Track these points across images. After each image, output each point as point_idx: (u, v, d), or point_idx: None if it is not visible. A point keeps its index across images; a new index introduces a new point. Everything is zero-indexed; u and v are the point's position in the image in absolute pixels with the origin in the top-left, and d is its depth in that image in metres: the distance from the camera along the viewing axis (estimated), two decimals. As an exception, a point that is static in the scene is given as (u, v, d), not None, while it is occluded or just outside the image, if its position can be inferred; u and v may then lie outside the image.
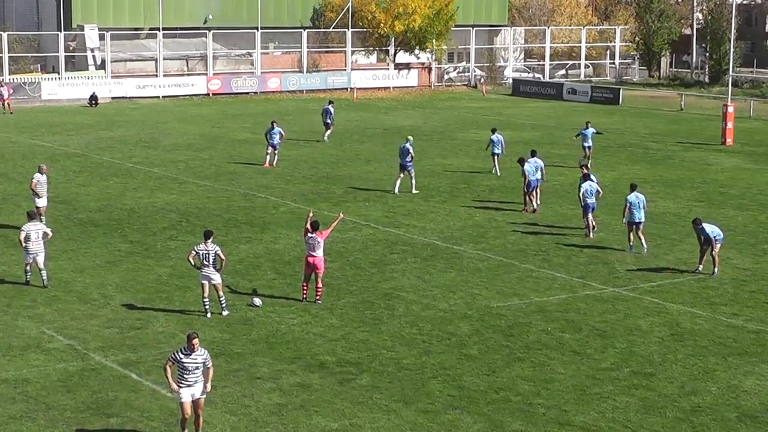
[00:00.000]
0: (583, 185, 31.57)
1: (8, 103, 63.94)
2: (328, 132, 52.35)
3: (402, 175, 38.64)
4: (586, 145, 44.86)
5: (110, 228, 32.58)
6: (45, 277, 25.95)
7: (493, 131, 42.76)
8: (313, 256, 24.56)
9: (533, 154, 36.50)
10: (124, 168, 43.75)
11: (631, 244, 30.07)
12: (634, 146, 52.43)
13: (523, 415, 18.50)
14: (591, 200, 31.37)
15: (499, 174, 42.14)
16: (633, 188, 30.19)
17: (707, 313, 24.58)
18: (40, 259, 25.99)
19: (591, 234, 31.67)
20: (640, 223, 29.79)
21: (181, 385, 17.12)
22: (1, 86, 65.29)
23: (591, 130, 45.18)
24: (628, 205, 29.62)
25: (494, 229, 32.90)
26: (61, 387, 19.38)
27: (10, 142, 50.76)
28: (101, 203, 36.30)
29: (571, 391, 19.58)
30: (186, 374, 17.10)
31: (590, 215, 31.59)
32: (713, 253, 27.49)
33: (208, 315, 23.65)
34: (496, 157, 42.49)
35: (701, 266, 27.97)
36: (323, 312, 24.24)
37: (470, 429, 17.93)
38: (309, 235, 24.64)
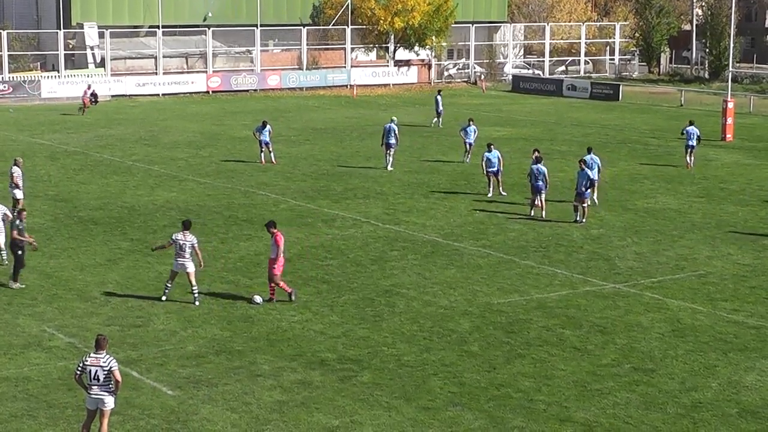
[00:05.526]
0: (533, 166, 33.89)
1: (86, 104, 62.34)
2: (438, 120, 57.08)
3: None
4: (690, 143, 43.65)
5: (111, 226, 32.57)
6: (4, 257, 27.22)
7: (470, 122, 45.59)
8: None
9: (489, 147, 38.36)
10: (124, 166, 43.76)
11: (594, 198, 35.23)
12: (634, 142, 52.44)
13: (524, 411, 18.51)
14: (537, 183, 33.78)
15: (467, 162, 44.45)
16: (589, 151, 35.97)
17: (708, 309, 24.59)
18: (1, 239, 27.25)
19: (531, 212, 34.02)
20: (594, 180, 34.53)
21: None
22: (88, 89, 64.11)
23: (695, 130, 43.56)
24: (584, 164, 33.98)
25: (494, 226, 32.91)
26: (62, 385, 19.37)
27: (9, 141, 50.76)
28: (101, 201, 36.30)
29: (571, 388, 19.59)
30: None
31: (540, 196, 33.92)
32: None
33: (163, 299, 24.39)
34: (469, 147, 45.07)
35: None
36: (324, 309, 24.24)
37: (471, 426, 17.94)
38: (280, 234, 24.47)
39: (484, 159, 37.53)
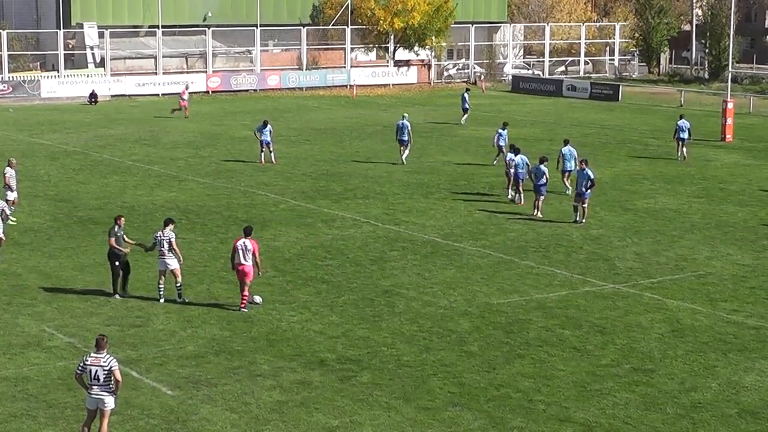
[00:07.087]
0: (540, 165, 34.16)
1: (185, 107, 60.56)
2: (465, 116, 58.44)
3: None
4: (682, 136, 46.16)
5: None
6: None
7: (504, 126, 44.80)
8: (243, 264, 23.84)
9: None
10: (124, 166, 43.75)
11: (566, 185, 37.14)
12: (634, 142, 52.44)
13: (523, 411, 18.51)
14: (522, 171, 35.59)
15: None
16: (566, 143, 37.82)
17: (707, 309, 24.59)
18: None
19: (519, 200, 35.55)
20: (570, 171, 36.82)
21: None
22: (183, 93, 62.41)
23: (685, 123, 46.23)
24: (561, 156, 37.12)
25: (494, 226, 32.91)
26: (62, 385, 19.38)
27: (9, 140, 50.75)
28: (101, 201, 36.30)
29: (571, 388, 19.60)
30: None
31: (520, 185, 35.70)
32: None
33: (161, 301, 24.47)
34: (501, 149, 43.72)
35: None
36: (323, 309, 24.25)
37: (470, 426, 17.94)
38: (241, 240, 23.93)
39: (510, 161, 36.37)
